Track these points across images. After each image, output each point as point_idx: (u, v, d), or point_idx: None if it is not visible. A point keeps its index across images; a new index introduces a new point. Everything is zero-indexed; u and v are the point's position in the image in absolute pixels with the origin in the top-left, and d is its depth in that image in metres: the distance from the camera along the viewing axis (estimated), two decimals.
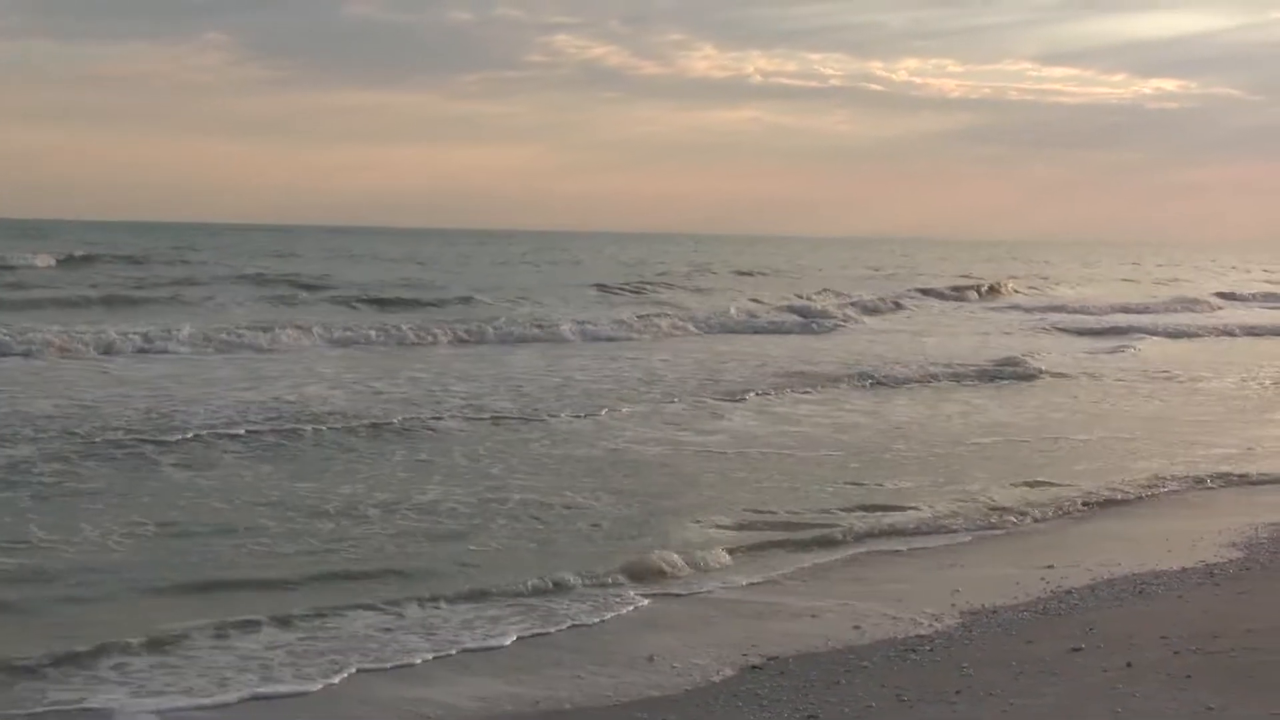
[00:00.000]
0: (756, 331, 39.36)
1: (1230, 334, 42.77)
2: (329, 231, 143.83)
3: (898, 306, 50.95)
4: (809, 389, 24.34)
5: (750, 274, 71.08)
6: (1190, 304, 57.07)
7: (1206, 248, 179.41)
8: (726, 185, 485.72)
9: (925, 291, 58.69)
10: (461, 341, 32.34)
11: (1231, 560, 12.00)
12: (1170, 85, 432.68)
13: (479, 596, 10.57)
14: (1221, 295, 63.11)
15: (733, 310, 43.84)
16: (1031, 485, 15.56)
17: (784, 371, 27.24)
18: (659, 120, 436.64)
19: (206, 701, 8.32)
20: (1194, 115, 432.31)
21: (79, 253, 57.60)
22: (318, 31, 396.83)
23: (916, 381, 26.10)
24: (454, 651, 9.37)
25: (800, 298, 50.43)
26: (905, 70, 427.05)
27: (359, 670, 8.89)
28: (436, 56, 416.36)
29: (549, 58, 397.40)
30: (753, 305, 47.32)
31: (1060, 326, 44.40)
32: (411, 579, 11.11)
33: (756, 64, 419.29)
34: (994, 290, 62.24)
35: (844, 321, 43.07)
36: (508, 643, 9.60)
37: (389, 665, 9.06)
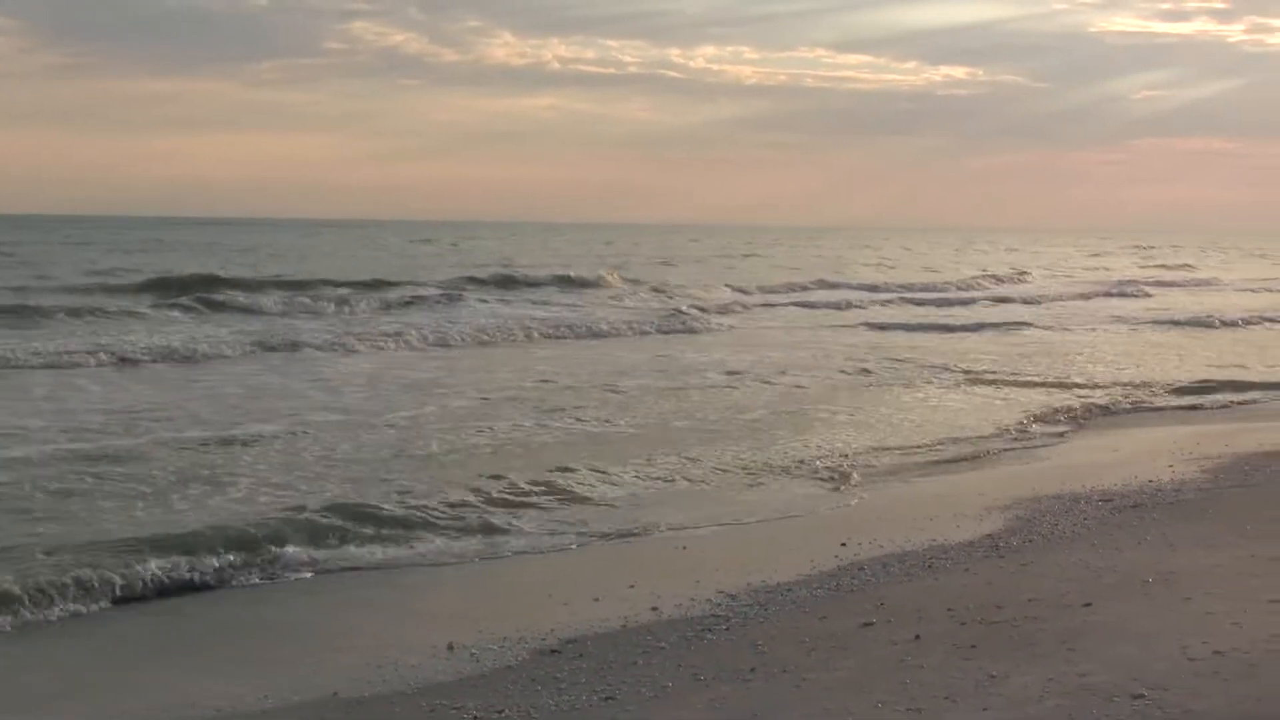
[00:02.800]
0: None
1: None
2: (124, 222, 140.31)
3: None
4: None
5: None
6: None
7: (997, 232, 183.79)
8: (528, 173, 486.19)
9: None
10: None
11: (1015, 532, 12.40)
12: (959, 73, 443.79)
13: None
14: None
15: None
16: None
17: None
18: (459, 108, 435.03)
19: None
20: (983, 102, 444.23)
21: None
22: (113, 17, 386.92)
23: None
24: None
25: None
26: (703, 57, 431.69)
27: None
28: (234, 44, 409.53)
29: (347, 45, 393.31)
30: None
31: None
32: None
33: (555, 51, 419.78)
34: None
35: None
36: None
37: None
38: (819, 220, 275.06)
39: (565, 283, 51.61)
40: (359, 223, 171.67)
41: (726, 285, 54.37)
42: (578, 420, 19.11)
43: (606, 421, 19.05)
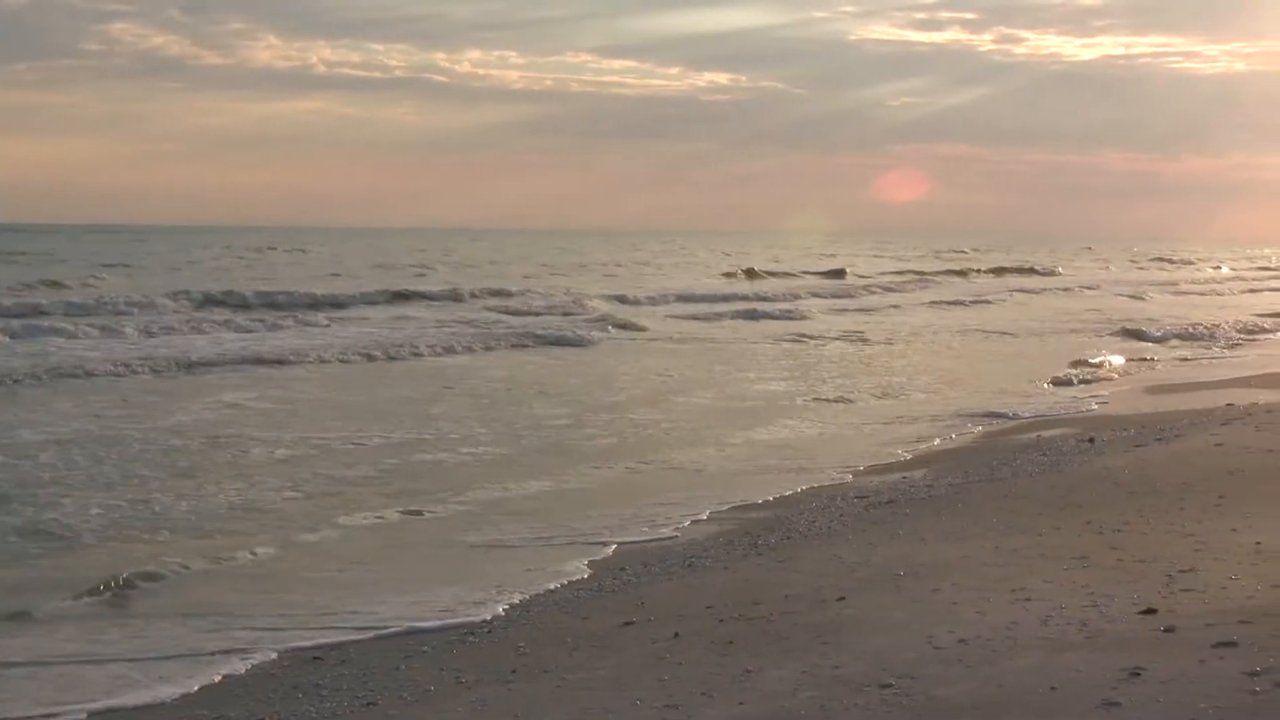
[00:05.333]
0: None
1: None
2: None
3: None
4: None
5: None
6: None
7: (761, 235, 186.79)
8: (293, 177, 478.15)
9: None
10: None
11: (773, 530, 12.68)
12: (723, 78, 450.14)
13: None
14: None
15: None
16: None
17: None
18: (223, 111, 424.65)
19: None
20: (746, 107, 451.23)
21: None
22: None
23: None
24: None
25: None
26: (469, 62, 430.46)
27: None
28: None
29: (106, 46, 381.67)
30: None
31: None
32: None
33: (321, 54, 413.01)
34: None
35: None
36: None
37: None
38: (586, 223, 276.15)
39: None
40: (122, 227, 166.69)
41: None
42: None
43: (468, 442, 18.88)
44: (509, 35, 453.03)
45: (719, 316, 43.62)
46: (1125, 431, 18.30)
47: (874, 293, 59.63)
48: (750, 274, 69.80)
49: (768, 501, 14.28)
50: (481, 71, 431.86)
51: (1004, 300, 56.12)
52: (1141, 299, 58.50)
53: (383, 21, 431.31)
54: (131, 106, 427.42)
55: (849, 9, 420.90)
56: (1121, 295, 60.90)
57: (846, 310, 49.06)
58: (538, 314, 42.46)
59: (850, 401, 22.89)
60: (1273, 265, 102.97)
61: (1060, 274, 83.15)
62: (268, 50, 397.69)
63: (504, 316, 41.18)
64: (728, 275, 69.84)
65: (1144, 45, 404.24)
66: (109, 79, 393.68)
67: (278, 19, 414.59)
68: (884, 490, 14.57)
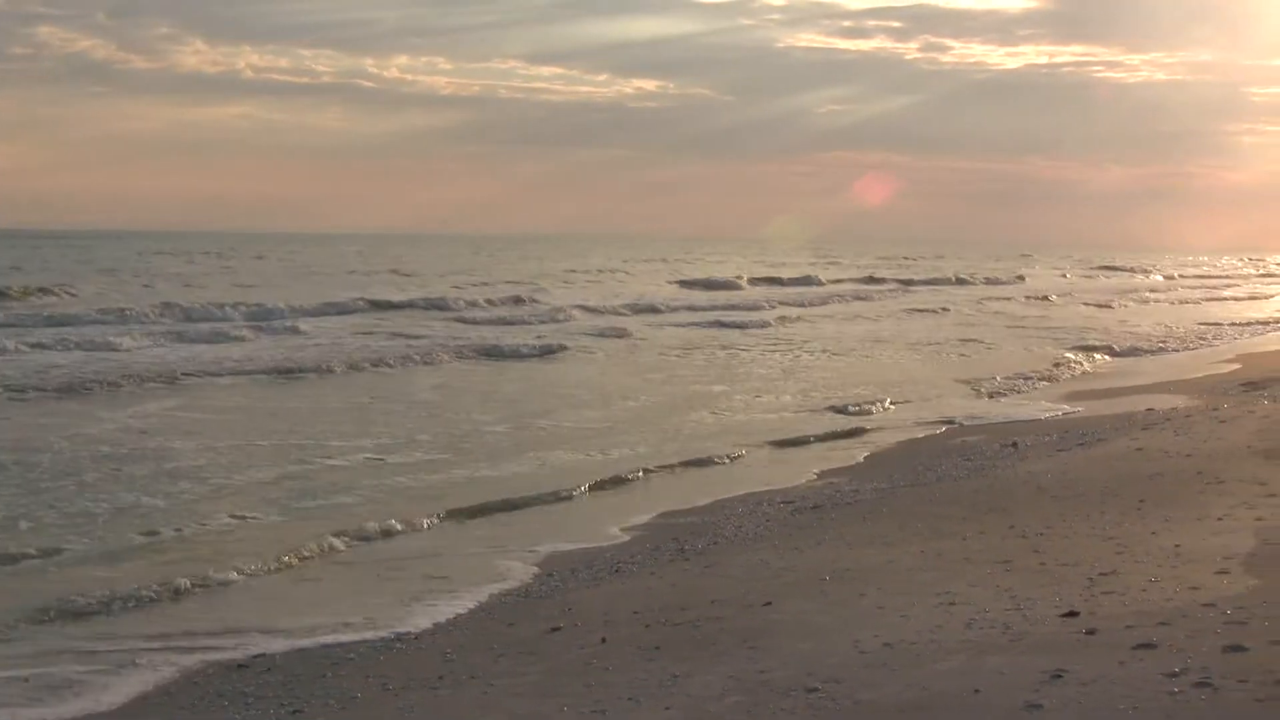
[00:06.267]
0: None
1: None
2: None
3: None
4: None
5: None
6: None
7: (690, 243, 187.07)
8: (219, 183, 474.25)
9: None
10: None
11: (701, 535, 12.73)
12: (651, 85, 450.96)
13: None
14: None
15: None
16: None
17: None
18: (149, 116, 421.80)
19: None
20: (674, 114, 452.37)
21: None
22: None
23: None
24: None
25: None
26: (397, 68, 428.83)
27: None
28: None
29: (32, 50, 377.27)
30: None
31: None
32: None
33: (249, 59, 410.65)
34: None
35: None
36: None
37: None
38: (513, 229, 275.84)
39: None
40: (45, 233, 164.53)
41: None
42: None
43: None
44: (437, 41, 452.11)
45: (696, 325, 42.77)
46: (1048, 436, 18.49)
47: (845, 300, 59.39)
48: (713, 282, 69.19)
49: (695, 507, 14.34)
50: (409, 77, 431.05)
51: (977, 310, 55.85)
52: (1110, 307, 58.61)
53: (311, 27, 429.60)
54: (56, 111, 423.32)
55: (776, 17, 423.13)
56: (1090, 305, 60.97)
57: (834, 318, 48.79)
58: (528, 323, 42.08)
59: (777, 397, 22.99)
60: (1209, 274, 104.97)
61: (1026, 282, 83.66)
62: (195, 55, 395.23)
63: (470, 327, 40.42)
64: (684, 284, 69.17)
65: (1067, 55, 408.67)
66: (34, 83, 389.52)
67: (205, 24, 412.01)
68: (810, 495, 14.66)
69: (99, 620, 10.23)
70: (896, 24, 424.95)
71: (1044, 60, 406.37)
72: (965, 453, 17.33)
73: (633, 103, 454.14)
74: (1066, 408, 22.58)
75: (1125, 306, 58.53)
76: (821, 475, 16.30)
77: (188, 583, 11.12)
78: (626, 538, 12.99)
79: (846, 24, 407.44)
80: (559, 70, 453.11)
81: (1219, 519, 11.05)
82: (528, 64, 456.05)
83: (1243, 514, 11.14)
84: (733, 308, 50.98)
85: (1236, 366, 29.71)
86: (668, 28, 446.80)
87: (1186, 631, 7.67)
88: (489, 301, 50.11)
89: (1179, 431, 17.34)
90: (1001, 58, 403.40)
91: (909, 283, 75.70)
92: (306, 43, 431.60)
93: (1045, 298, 64.29)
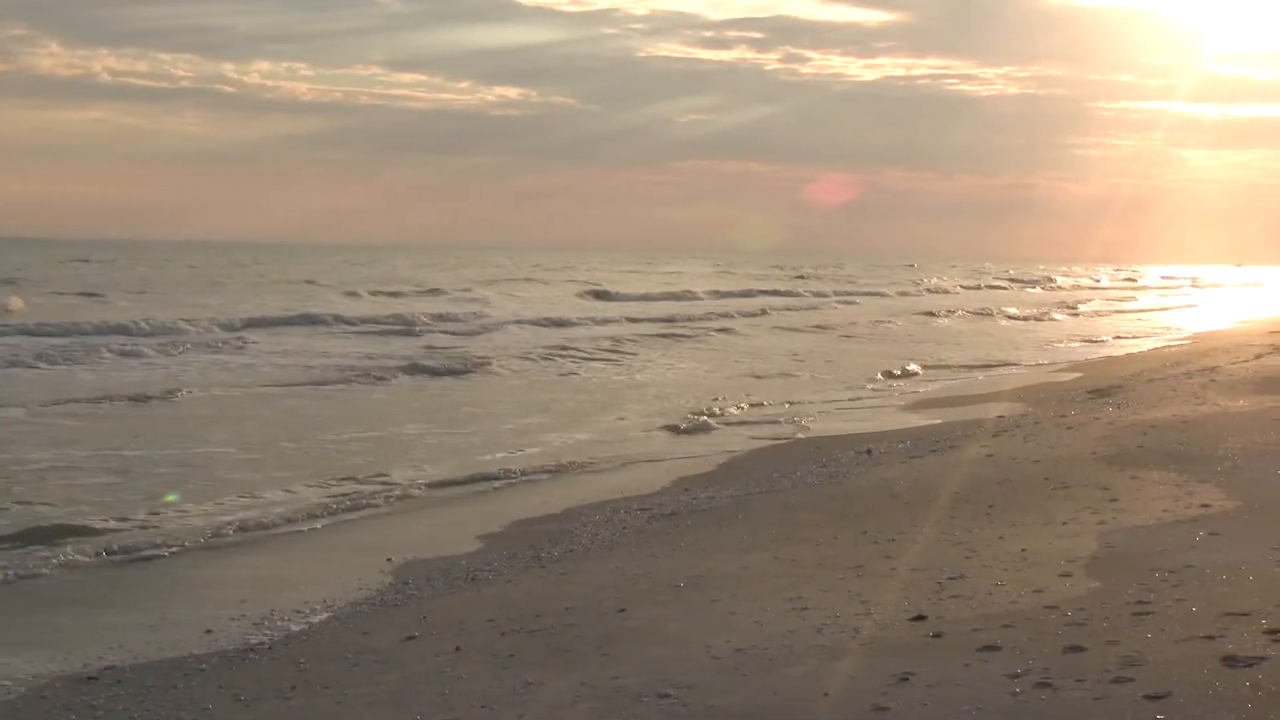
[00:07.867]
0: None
1: None
2: None
3: None
4: None
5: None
6: None
7: (553, 251, 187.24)
8: (73, 188, 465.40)
9: None
10: None
11: (557, 542, 12.77)
12: (513, 93, 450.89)
13: None
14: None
15: None
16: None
17: None
18: (1, 120, 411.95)
19: None
20: (535, 122, 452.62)
21: None
22: None
23: None
24: None
25: None
26: (257, 73, 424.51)
27: None
28: None
29: None
30: None
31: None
32: None
33: (106, 63, 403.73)
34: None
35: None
36: None
37: None
38: (374, 238, 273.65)
39: None
40: None
41: None
42: None
43: None
44: (298, 47, 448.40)
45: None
46: (902, 443, 18.79)
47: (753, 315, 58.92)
48: (603, 295, 68.95)
49: (551, 514, 14.38)
50: (270, 83, 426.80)
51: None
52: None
53: (169, 31, 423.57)
54: None
55: (638, 26, 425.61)
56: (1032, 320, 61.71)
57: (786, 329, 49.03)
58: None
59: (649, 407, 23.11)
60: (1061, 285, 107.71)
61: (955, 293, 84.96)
62: (50, 58, 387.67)
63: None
64: (581, 295, 68.93)
65: (923, 67, 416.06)
66: None
67: (62, 26, 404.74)
68: (666, 502, 14.76)
69: None
70: (757, 35, 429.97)
71: (901, 73, 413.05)
72: (820, 459, 17.55)
73: (496, 110, 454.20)
74: (918, 419, 22.95)
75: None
76: (678, 482, 16.42)
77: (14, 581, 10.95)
78: (483, 545, 12.99)
79: (708, 34, 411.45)
80: (421, 77, 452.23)
81: (1064, 523, 11.31)
82: (389, 70, 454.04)
83: (1086, 518, 11.42)
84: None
85: (1079, 374, 30.43)
86: (530, 36, 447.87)
87: (1029, 633, 7.85)
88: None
89: (1028, 438, 17.70)
90: (860, 69, 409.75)
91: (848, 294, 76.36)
92: (165, 47, 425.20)
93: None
